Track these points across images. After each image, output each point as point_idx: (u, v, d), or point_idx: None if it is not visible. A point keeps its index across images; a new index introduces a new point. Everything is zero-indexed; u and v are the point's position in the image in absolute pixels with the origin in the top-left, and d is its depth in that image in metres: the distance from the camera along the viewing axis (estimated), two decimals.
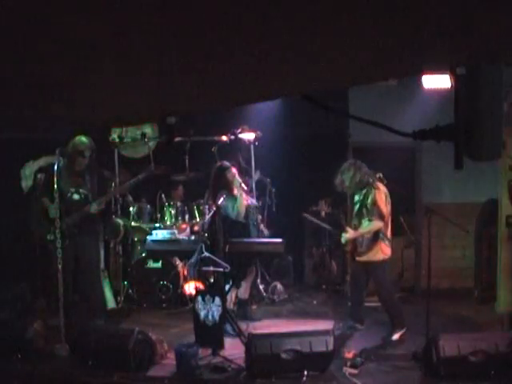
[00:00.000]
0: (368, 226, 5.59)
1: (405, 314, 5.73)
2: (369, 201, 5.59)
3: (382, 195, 5.57)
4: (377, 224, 5.55)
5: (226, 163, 6.36)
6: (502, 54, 1.94)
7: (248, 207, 6.41)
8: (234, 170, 6.27)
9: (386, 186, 5.72)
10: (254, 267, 6.61)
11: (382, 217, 5.53)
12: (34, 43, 1.43)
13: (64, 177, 5.71)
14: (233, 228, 6.15)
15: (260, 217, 7.14)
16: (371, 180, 5.63)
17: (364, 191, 5.66)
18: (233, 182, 6.18)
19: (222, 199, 5.99)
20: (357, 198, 5.74)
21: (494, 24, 1.49)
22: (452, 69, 2.31)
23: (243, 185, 6.39)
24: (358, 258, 5.72)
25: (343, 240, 5.76)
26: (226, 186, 6.16)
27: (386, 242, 5.63)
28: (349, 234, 5.69)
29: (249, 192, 6.77)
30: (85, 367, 4.90)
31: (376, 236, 5.58)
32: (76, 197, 5.84)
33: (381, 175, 5.73)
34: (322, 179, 7.82)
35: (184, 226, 7.32)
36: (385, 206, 5.55)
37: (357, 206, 5.73)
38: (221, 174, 6.21)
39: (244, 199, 6.34)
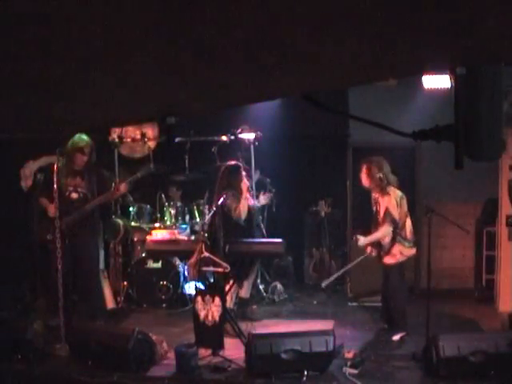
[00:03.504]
0: (377, 232, 5.61)
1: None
2: (380, 207, 5.59)
3: (392, 200, 5.55)
4: (385, 230, 5.55)
5: (239, 164, 6.42)
6: (501, 54, 1.94)
7: (251, 208, 6.42)
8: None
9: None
10: (256, 266, 6.61)
11: (393, 222, 5.53)
12: (34, 43, 1.43)
13: (63, 176, 5.71)
14: (233, 229, 6.14)
15: (260, 217, 7.14)
16: (384, 184, 5.63)
17: (376, 196, 5.67)
18: (242, 181, 6.23)
19: (222, 199, 5.99)
20: (372, 201, 5.75)
21: (494, 24, 1.49)
22: (452, 69, 2.31)
23: (249, 187, 6.43)
24: (382, 262, 5.71)
25: (361, 244, 5.72)
26: (235, 185, 6.19)
27: (405, 244, 5.60)
28: (360, 241, 5.67)
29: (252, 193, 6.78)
30: (85, 367, 4.90)
31: (393, 239, 5.58)
32: (74, 196, 5.85)
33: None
34: (322, 179, 7.85)
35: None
36: (396, 211, 5.54)
37: (373, 210, 5.75)
38: (235, 172, 6.24)
39: (248, 201, 6.36)
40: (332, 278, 6.43)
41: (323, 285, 6.56)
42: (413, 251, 5.70)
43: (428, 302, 5.08)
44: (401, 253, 5.59)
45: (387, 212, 5.53)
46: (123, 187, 6.05)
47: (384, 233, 5.57)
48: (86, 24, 1.34)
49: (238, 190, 6.20)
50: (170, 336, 5.62)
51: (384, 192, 5.60)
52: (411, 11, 1.37)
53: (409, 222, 5.68)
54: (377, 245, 5.67)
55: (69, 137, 5.79)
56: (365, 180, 5.73)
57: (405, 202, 5.67)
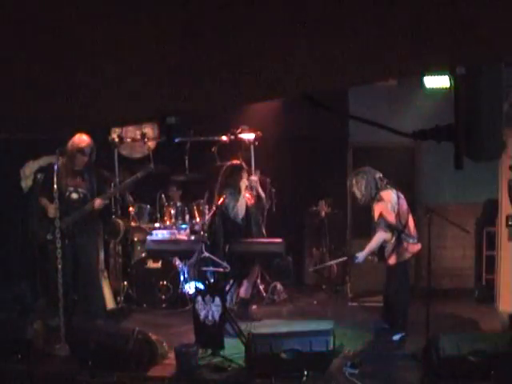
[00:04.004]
0: (372, 241, 5.59)
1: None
2: (375, 214, 5.57)
3: (386, 205, 5.51)
4: (379, 236, 5.52)
5: (243, 164, 6.43)
6: (502, 54, 1.94)
7: (250, 207, 6.42)
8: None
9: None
10: (257, 266, 6.60)
11: (390, 227, 5.51)
12: (34, 43, 1.43)
13: (63, 176, 5.70)
14: (231, 228, 6.14)
15: (260, 217, 7.14)
16: (374, 191, 5.60)
17: (371, 205, 5.64)
18: (242, 180, 6.23)
19: (222, 199, 6.00)
20: (371, 209, 5.73)
21: (494, 24, 1.49)
22: (452, 69, 2.31)
23: (248, 186, 6.42)
24: (388, 263, 5.69)
25: (360, 261, 5.71)
26: (234, 184, 6.19)
27: (411, 241, 5.60)
28: (359, 259, 5.65)
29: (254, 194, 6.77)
30: (85, 367, 4.90)
31: (398, 238, 5.56)
32: (74, 196, 5.84)
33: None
34: (322, 179, 7.85)
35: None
36: (392, 215, 5.50)
37: (372, 217, 5.73)
38: (237, 172, 6.24)
39: (247, 199, 6.36)
40: (322, 266, 6.44)
41: (311, 269, 6.59)
42: (418, 247, 5.71)
43: (428, 302, 5.08)
44: (407, 250, 5.59)
45: (381, 218, 5.50)
46: (97, 203, 5.92)
47: (379, 240, 5.53)
48: (87, 24, 1.34)
49: (236, 189, 6.21)
50: (170, 336, 5.62)
51: (377, 199, 5.57)
52: (411, 11, 1.37)
53: (410, 219, 5.68)
54: (379, 249, 5.65)
55: (69, 137, 5.79)
56: (356, 194, 5.73)
57: (403, 200, 5.65)
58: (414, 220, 5.80)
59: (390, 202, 5.54)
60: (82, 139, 5.71)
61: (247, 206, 6.37)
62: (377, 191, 5.60)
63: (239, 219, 6.24)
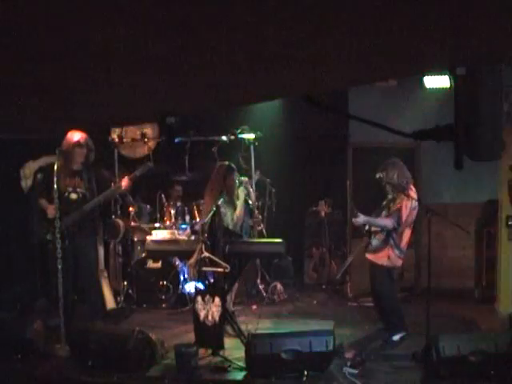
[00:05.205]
0: (380, 220, 5.51)
1: (405, 314, 5.71)
2: (394, 205, 5.50)
3: (409, 204, 5.44)
4: (388, 222, 5.45)
5: (233, 165, 6.30)
6: (502, 54, 1.94)
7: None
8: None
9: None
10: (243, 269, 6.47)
11: (398, 223, 5.43)
12: (35, 44, 1.43)
13: (61, 176, 5.70)
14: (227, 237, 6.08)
15: (260, 217, 7.12)
16: (405, 186, 5.51)
17: (395, 195, 5.56)
18: (234, 186, 6.11)
19: (221, 199, 5.96)
20: (388, 198, 5.64)
21: (494, 24, 1.49)
22: (452, 69, 2.31)
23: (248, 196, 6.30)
24: (366, 254, 5.65)
25: (355, 222, 5.63)
26: (229, 189, 6.10)
27: (397, 252, 5.52)
28: (359, 219, 5.53)
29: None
30: (85, 367, 4.90)
31: (386, 240, 5.50)
32: (73, 196, 5.84)
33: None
34: (321, 179, 7.86)
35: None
36: (405, 215, 5.44)
37: (383, 206, 5.66)
38: (229, 174, 6.12)
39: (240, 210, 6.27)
40: (343, 269, 6.48)
41: (338, 276, 6.66)
42: (399, 262, 5.61)
43: (428, 301, 5.08)
44: (388, 258, 5.50)
45: (397, 211, 5.43)
46: (125, 182, 5.97)
47: (385, 224, 5.46)
48: (87, 26, 1.34)
49: (230, 194, 6.10)
50: (170, 336, 5.63)
51: (405, 193, 5.46)
52: (411, 11, 1.37)
53: (408, 233, 5.59)
54: (368, 237, 5.61)
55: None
56: (389, 185, 5.61)
57: (415, 213, 5.56)
58: (413, 232, 5.73)
59: (412, 202, 5.46)
60: (74, 134, 5.72)
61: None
62: (407, 184, 5.53)
63: (238, 229, 6.18)
